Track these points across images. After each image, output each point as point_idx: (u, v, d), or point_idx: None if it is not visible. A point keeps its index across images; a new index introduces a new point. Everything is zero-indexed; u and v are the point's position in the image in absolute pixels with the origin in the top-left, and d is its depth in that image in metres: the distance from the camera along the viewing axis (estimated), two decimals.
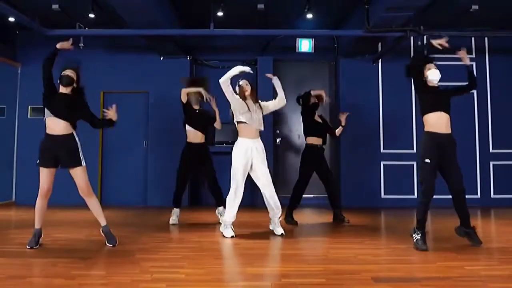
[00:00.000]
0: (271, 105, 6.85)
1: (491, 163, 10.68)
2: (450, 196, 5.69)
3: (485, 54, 10.89)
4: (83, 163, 5.69)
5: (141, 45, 10.55)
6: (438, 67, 5.77)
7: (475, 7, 8.95)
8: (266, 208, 6.62)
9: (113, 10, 8.45)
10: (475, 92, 10.61)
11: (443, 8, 9.15)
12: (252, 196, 9.89)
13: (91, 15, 9.10)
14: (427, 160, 5.55)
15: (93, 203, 5.80)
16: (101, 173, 10.75)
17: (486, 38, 10.84)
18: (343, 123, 8.04)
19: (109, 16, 9.38)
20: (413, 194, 10.45)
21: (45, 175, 5.61)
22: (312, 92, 7.83)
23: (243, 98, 6.61)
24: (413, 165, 10.53)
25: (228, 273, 4.56)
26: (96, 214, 5.82)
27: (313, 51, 10.25)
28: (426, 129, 5.73)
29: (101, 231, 5.87)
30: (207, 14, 9.21)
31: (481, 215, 8.94)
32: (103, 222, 5.83)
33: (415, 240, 5.57)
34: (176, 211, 7.80)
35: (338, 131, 8.13)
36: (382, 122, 10.71)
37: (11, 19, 8.94)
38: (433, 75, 5.71)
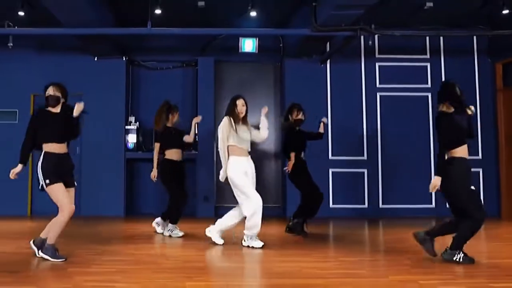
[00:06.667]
0: (253, 133, 6.76)
1: None
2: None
3: (440, 54, 10.75)
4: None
5: (74, 45, 10.23)
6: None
7: (429, 4, 8.88)
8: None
9: (45, 8, 8.20)
10: (429, 94, 10.41)
11: (395, 5, 9.04)
12: (193, 206, 9.76)
13: (21, 13, 8.81)
14: (473, 188, 5.37)
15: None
16: (31, 181, 10.14)
17: (441, 38, 10.67)
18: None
19: (40, 15, 8.98)
20: (364, 204, 10.35)
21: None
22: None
23: (236, 119, 6.53)
24: (363, 172, 10.41)
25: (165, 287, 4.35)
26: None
27: (257, 52, 10.07)
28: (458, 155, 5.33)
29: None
30: (145, 13, 8.95)
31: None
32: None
33: (461, 260, 5.26)
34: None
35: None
36: (331, 127, 10.44)
37: None
38: None
